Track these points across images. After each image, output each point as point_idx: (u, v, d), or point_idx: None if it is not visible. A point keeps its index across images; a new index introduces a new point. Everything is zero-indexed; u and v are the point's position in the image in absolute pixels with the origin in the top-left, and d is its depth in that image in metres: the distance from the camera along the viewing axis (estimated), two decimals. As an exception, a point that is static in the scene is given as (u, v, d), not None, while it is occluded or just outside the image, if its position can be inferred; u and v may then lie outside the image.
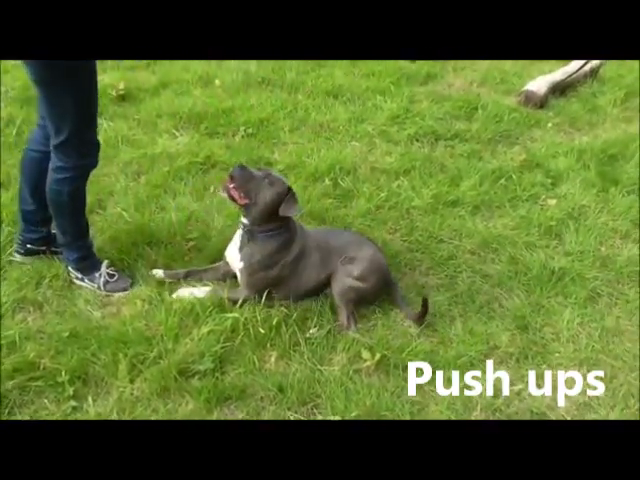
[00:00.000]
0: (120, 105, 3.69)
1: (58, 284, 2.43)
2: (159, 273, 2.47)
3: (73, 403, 2.00)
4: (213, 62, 4.27)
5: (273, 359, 2.20)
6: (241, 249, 2.37)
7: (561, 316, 2.43)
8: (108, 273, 2.44)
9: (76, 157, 2.22)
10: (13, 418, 1.94)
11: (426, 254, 2.74)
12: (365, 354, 2.19)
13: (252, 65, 4.25)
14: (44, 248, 2.52)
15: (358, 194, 3.08)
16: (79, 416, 1.96)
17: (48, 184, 2.29)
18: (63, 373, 2.05)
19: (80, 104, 2.15)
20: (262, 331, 2.24)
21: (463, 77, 4.46)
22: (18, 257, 2.52)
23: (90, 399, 2.01)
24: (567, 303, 2.50)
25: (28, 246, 2.50)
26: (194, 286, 2.44)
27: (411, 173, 3.27)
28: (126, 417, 1.97)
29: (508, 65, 4.74)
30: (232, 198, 2.31)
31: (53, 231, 2.49)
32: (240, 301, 2.35)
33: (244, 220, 2.35)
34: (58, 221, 2.38)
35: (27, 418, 1.95)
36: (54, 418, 1.95)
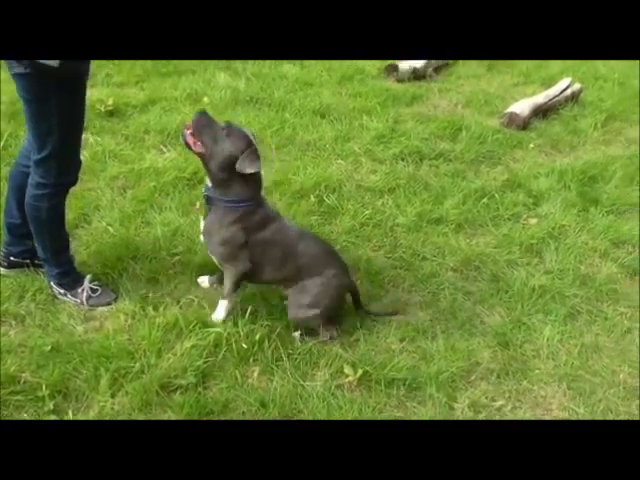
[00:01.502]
0: (108, 120, 3.71)
1: (41, 298, 2.43)
2: (205, 280, 2.51)
3: (53, 417, 1.99)
4: (201, 79, 4.32)
5: (256, 374, 2.20)
6: (204, 219, 2.29)
7: (541, 333, 2.46)
8: (91, 288, 2.44)
9: (56, 174, 2.22)
10: (-8, 432, 1.93)
11: (409, 271, 2.77)
12: (347, 370, 2.20)
13: (241, 83, 4.30)
14: (28, 261, 2.51)
15: (343, 211, 3.11)
16: (59, 430, 1.95)
17: (27, 199, 2.29)
18: (44, 387, 2.05)
19: (66, 123, 2.15)
20: (245, 346, 2.25)
21: (448, 99, 4.55)
22: (1, 270, 2.51)
23: (70, 413, 2.00)
24: (547, 320, 2.53)
25: (12, 259, 2.50)
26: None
27: (396, 191, 3.32)
28: (106, 431, 1.96)
29: (492, 87, 4.85)
30: (188, 145, 2.18)
31: None
32: (234, 276, 2.29)
33: (207, 182, 2.25)
34: (38, 236, 2.37)
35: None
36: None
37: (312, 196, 3.19)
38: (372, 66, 4.84)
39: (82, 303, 2.42)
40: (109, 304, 2.44)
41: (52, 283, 2.44)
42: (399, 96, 4.40)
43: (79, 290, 2.42)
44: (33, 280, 2.47)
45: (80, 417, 2.00)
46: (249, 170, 2.12)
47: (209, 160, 2.16)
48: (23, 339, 2.25)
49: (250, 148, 2.14)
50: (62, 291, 2.43)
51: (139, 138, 3.56)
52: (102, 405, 2.04)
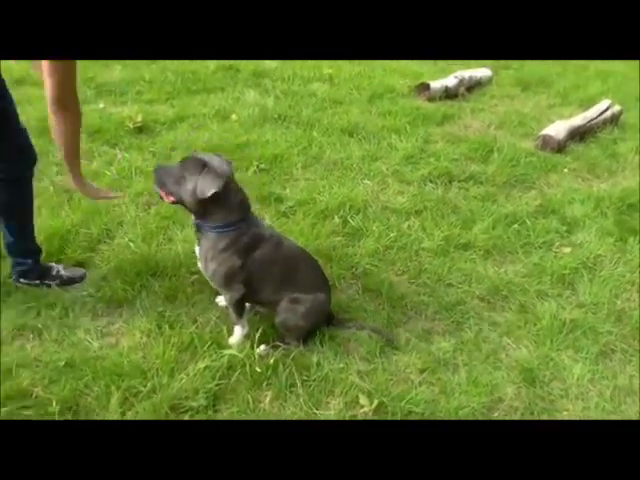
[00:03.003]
0: (136, 137, 3.74)
1: (60, 312, 2.42)
2: (222, 302, 2.49)
3: (61, 435, 1.96)
4: (230, 97, 4.33)
5: (268, 399, 2.14)
6: (198, 246, 2.25)
7: (571, 371, 2.33)
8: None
9: (17, 167, 2.31)
10: (-1, 448, 1.91)
11: (433, 298, 2.67)
12: (363, 400, 2.12)
13: (269, 101, 4.30)
14: (37, 282, 2.53)
15: (367, 233, 3.05)
16: (66, 450, 1.92)
17: None
18: (54, 403, 2.02)
19: None
20: (258, 370, 2.19)
21: (480, 119, 4.46)
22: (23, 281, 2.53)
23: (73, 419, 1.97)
24: (578, 357, 2.40)
25: (22, 280, 2.53)
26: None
27: (423, 214, 3.24)
28: (114, 453, 1.92)
29: (527, 108, 4.74)
30: (162, 199, 2.19)
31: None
32: (231, 301, 2.28)
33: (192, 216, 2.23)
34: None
35: (14, 449, 1.91)
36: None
37: (336, 216, 3.13)
38: (403, 84, 4.79)
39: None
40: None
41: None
42: (430, 115, 4.33)
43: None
44: (47, 294, 2.47)
45: (89, 437, 1.97)
46: (209, 192, 2.04)
47: (183, 202, 2.14)
48: (39, 353, 2.24)
49: (203, 171, 2.06)
50: None
51: (166, 155, 3.57)
52: (111, 425, 2.00)
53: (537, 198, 3.50)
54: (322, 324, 2.42)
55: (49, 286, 2.52)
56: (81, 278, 2.60)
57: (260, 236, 2.23)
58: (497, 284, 2.75)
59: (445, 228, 3.10)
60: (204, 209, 2.12)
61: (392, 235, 3.02)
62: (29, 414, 2.01)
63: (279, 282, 2.29)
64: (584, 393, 2.26)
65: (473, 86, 5.00)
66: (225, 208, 2.13)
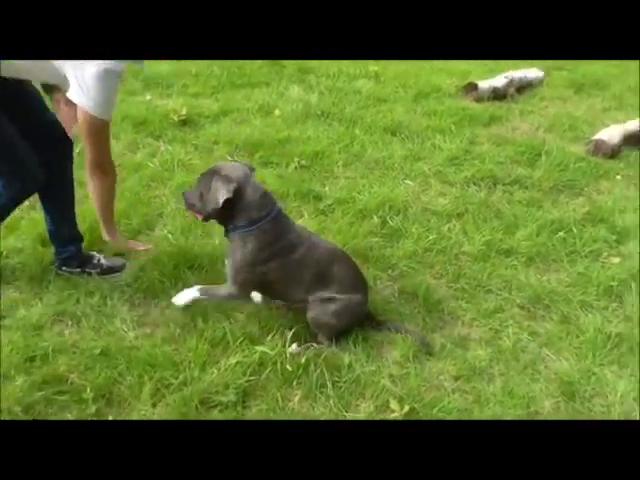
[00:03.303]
0: (180, 130, 3.78)
1: (98, 301, 2.46)
2: (257, 297, 2.48)
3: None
4: (275, 92, 4.33)
5: (297, 398, 2.12)
6: (227, 250, 2.32)
7: (614, 387, 2.23)
8: None
9: (16, 187, 2.28)
10: (34, 431, 1.95)
11: (471, 304, 2.60)
12: (394, 404, 2.08)
13: (313, 97, 4.28)
14: (78, 270, 2.57)
15: (406, 234, 2.99)
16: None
17: None
18: (88, 390, 2.06)
19: None
20: (289, 368, 2.18)
21: (529, 121, 4.33)
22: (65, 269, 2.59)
23: (110, 419, 1.99)
24: (622, 374, 2.29)
25: (64, 269, 2.57)
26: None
27: (464, 217, 3.16)
28: (143, 443, 1.94)
29: (579, 111, 4.58)
30: (197, 218, 2.32)
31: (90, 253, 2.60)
32: (223, 296, 2.32)
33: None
34: None
35: (48, 432, 1.95)
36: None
37: (375, 216, 3.09)
38: (450, 84, 4.69)
39: None
40: None
41: None
42: (476, 116, 4.23)
43: None
44: (87, 282, 2.51)
45: (120, 425, 2.00)
46: (222, 199, 2.10)
47: (212, 217, 2.23)
48: (76, 340, 2.28)
49: (214, 179, 2.13)
50: None
51: (208, 148, 3.60)
52: (142, 414, 2.02)
53: (585, 205, 3.37)
54: (356, 325, 2.38)
55: (89, 274, 2.56)
56: (121, 268, 2.63)
57: (290, 242, 2.23)
58: (539, 292, 2.65)
59: (487, 232, 3.01)
60: (227, 215, 2.18)
61: (432, 237, 2.96)
62: (64, 399, 2.05)
63: (310, 283, 2.27)
64: (627, 412, 2.15)
65: (523, 87, 4.86)
66: (245, 209, 2.16)
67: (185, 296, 2.35)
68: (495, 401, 2.14)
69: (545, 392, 2.21)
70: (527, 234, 3.03)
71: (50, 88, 2.29)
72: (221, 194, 2.10)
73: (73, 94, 1.98)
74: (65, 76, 1.97)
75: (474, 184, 3.47)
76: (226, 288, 2.30)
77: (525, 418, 2.10)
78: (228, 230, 2.24)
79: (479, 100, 4.57)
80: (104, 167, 2.14)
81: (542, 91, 4.86)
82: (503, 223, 3.13)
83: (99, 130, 2.05)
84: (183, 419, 2.00)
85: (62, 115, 2.30)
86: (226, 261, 2.32)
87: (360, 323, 2.39)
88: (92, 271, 2.57)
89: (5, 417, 1.96)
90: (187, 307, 2.37)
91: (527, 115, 4.43)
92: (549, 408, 2.14)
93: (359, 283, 2.37)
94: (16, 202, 2.39)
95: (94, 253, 2.63)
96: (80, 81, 1.94)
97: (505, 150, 3.83)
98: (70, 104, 2.09)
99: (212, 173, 2.16)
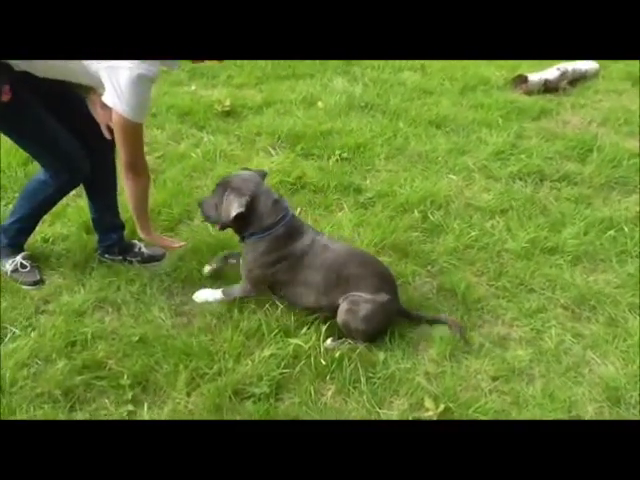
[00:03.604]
0: (224, 121, 3.80)
1: (138, 289, 2.50)
2: (207, 268, 2.53)
3: (130, 407, 2.03)
4: (319, 83, 4.31)
5: (330, 393, 2.11)
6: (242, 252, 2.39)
7: (662, 394, 2.13)
8: (21, 263, 2.50)
9: (65, 178, 2.35)
10: (74, 414, 2.00)
11: (513, 303, 2.53)
12: (428, 403, 2.05)
13: (357, 89, 4.23)
14: (120, 257, 2.62)
15: (447, 230, 2.93)
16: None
17: (34, 179, 2.45)
18: (126, 376, 2.10)
19: (35, 143, 2.29)
20: (323, 362, 2.17)
21: (581, 115, 4.16)
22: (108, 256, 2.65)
23: (146, 406, 2.03)
24: (672, 380, 2.19)
25: (107, 256, 2.63)
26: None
27: (508, 213, 3.07)
28: (177, 430, 1.96)
29: (636, 105, 4.36)
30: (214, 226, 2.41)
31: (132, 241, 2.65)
32: (236, 296, 2.38)
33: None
34: (18, 206, 2.50)
35: (87, 416, 2.01)
36: (111, 419, 1.99)
37: (416, 211, 3.03)
38: (499, 76, 4.56)
39: (6, 273, 2.50)
40: (29, 284, 2.48)
41: None
42: (525, 109, 4.09)
43: (10, 260, 2.51)
44: (128, 270, 2.56)
45: (155, 411, 2.02)
46: (234, 213, 2.18)
47: (227, 225, 2.30)
48: (115, 327, 2.33)
49: (226, 193, 2.20)
50: None
51: (250, 139, 3.61)
52: (177, 402, 2.05)
53: (638, 203, 3.22)
54: (389, 324, 2.33)
55: (130, 262, 2.61)
56: (161, 257, 2.67)
57: (301, 246, 2.26)
58: (584, 293, 2.55)
59: (531, 230, 2.91)
60: (241, 225, 2.26)
61: (474, 234, 2.88)
62: (102, 384, 2.10)
63: (325, 287, 2.26)
64: (675, 421, 2.05)
65: (577, 79, 4.68)
66: (258, 219, 2.24)
67: (207, 295, 2.44)
68: (534, 403, 2.08)
69: (588, 396, 2.13)
70: (574, 232, 2.92)
71: (87, 90, 2.36)
72: (234, 208, 2.18)
73: (108, 97, 2.04)
74: (100, 79, 2.02)
75: (520, 180, 3.36)
76: (241, 286, 2.39)
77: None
78: (243, 237, 2.32)
79: (529, 93, 4.42)
80: (137, 169, 2.18)
81: (597, 84, 4.66)
82: (549, 220, 3.02)
83: (133, 132, 2.09)
84: (215, 410, 2.02)
85: (98, 116, 2.37)
86: (240, 261, 2.39)
87: (394, 321, 2.35)
88: (133, 259, 2.62)
89: (45, 400, 2.02)
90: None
91: (579, 109, 4.27)
92: (592, 413, 2.06)
93: (384, 282, 2.30)
94: (63, 193, 2.46)
95: (135, 242, 2.68)
96: (115, 85, 1.99)
97: (554, 145, 3.69)
98: (105, 107, 2.14)
99: (225, 185, 2.24)
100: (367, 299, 2.22)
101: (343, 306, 2.24)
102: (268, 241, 2.25)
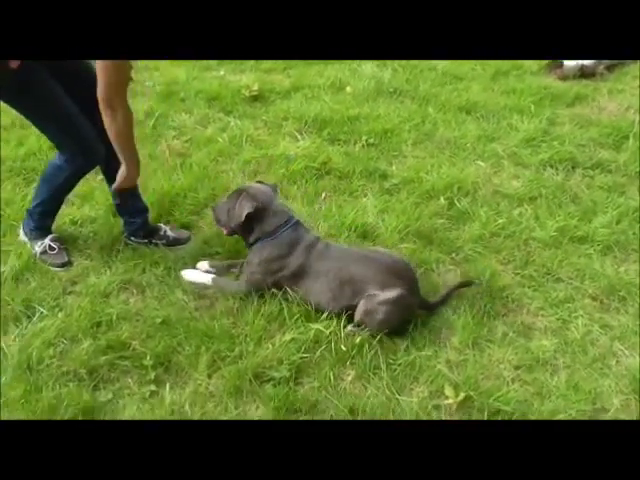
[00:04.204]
0: (251, 105, 3.80)
1: (163, 271, 2.53)
2: (204, 265, 2.54)
3: (152, 387, 2.07)
4: (347, 68, 4.26)
5: (350, 378, 2.11)
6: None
7: (693, 388, 2.07)
8: (50, 245, 2.54)
9: (80, 161, 2.38)
10: (97, 393, 2.05)
11: (539, 292, 2.48)
12: (448, 391, 2.03)
13: (386, 74, 4.17)
14: (146, 241, 2.65)
15: (473, 217, 2.88)
16: (155, 401, 2.02)
17: (49, 163, 2.51)
18: (149, 357, 2.13)
19: (53, 121, 2.30)
20: (344, 348, 2.17)
21: (618, 101, 4.02)
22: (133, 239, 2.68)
23: (168, 387, 2.06)
24: (703, 374, 2.12)
25: (132, 239, 2.66)
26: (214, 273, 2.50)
27: (537, 201, 3.00)
28: (197, 410, 1.99)
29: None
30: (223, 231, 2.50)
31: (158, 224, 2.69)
32: (226, 291, 2.41)
33: None
34: (38, 191, 2.55)
35: (110, 395, 2.05)
36: (134, 399, 2.03)
37: (442, 198, 2.99)
38: (533, 61, 4.44)
39: (35, 255, 2.55)
40: (57, 266, 2.52)
41: (23, 228, 2.63)
42: (559, 95, 3.98)
43: (39, 242, 2.56)
44: (153, 253, 2.59)
45: (177, 392, 2.06)
46: (244, 214, 2.30)
47: (235, 231, 2.43)
48: (140, 309, 2.36)
49: (239, 197, 2.33)
50: (25, 238, 2.61)
51: (277, 124, 3.60)
52: (198, 384, 2.08)
53: (675, 192, 3.11)
54: (410, 316, 2.28)
55: (156, 245, 2.64)
56: (186, 240, 2.70)
57: (311, 267, 2.30)
58: (614, 283, 2.48)
59: (561, 218, 2.84)
60: (247, 229, 2.36)
61: (500, 221, 2.83)
62: (126, 365, 2.14)
63: (332, 293, 2.26)
64: None
65: (615, 65, 4.52)
66: (264, 224, 2.34)
67: (196, 277, 2.47)
68: (558, 394, 2.04)
69: (614, 388, 2.08)
70: (606, 221, 2.83)
71: None
72: (245, 209, 2.29)
73: None
74: None
75: (551, 167, 3.27)
76: (236, 286, 2.42)
77: (590, 414, 1.99)
78: (250, 244, 2.40)
79: (564, 78, 4.29)
80: (113, 104, 2.11)
81: (635, 69, 4.49)
82: (580, 209, 2.94)
83: (111, 68, 2.03)
84: (235, 392, 2.04)
85: None
86: (245, 263, 2.44)
87: (415, 314, 2.31)
88: (159, 242, 2.65)
89: (70, 379, 2.07)
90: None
91: (616, 94, 4.12)
92: (618, 405, 2.01)
93: (394, 276, 2.24)
94: (78, 176, 2.49)
95: (161, 225, 2.71)
96: None
97: (588, 132, 3.58)
98: None
99: (239, 192, 2.37)
100: (382, 300, 2.18)
101: (360, 307, 2.23)
102: (272, 246, 2.33)
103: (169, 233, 2.69)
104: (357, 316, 2.23)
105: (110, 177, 2.55)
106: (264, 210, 2.32)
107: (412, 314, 2.28)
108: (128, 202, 2.61)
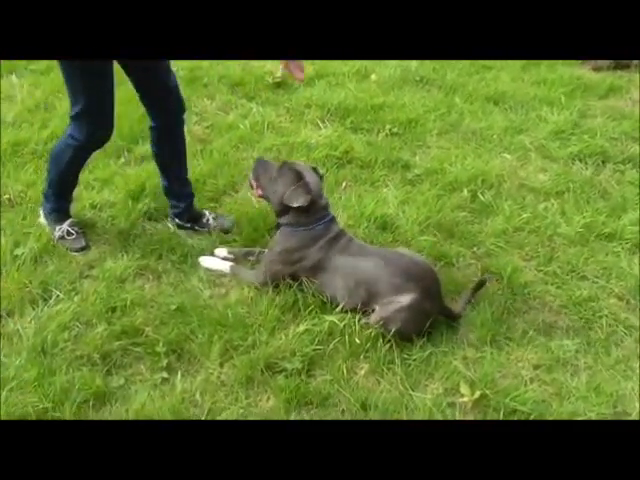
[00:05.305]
0: (274, 92, 3.76)
1: (179, 258, 2.51)
2: (222, 252, 2.51)
3: (164, 374, 2.06)
4: (373, 56, 4.19)
5: (363, 372, 2.07)
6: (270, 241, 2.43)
7: None
8: (68, 230, 2.54)
9: (85, 133, 2.33)
10: (109, 378, 2.05)
11: (562, 290, 2.40)
12: (464, 388, 1.98)
13: (413, 62, 4.09)
14: (189, 225, 2.66)
15: (497, 211, 2.80)
16: (166, 389, 2.01)
17: (57, 142, 2.49)
18: (161, 344, 2.12)
19: (91, 86, 2.24)
20: (358, 341, 2.13)
21: (654, 93, 3.88)
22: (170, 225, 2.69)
23: (179, 374, 2.05)
24: None
25: (177, 221, 2.68)
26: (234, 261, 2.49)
27: (564, 196, 2.91)
28: (208, 399, 1.98)
29: None
30: (252, 187, 2.43)
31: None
32: (248, 281, 2.38)
33: None
34: (49, 173, 2.53)
35: (122, 381, 2.04)
36: (145, 385, 2.03)
37: (466, 190, 2.92)
38: (566, 51, 4.30)
39: (54, 238, 2.55)
40: (75, 250, 2.52)
41: (42, 211, 2.62)
42: (592, 86, 3.86)
43: (57, 227, 2.55)
44: (170, 239, 2.58)
45: (188, 379, 2.04)
46: (295, 204, 2.24)
47: (269, 199, 2.36)
48: (154, 295, 2.35)
49: (298, 183, 2.24)
50: (45, 221, 2.61)
51: (299, 112, 3.56)
52: (210, 372, 2.06)
53: None
54: (427, 320, 2.17)
55: (199, 231, 2.65)
56: (229, 230, 2.66)
57: (332, 261, 2.25)
58: (642, 283, 2.40)
59: (588, 214, 2.75)
60: (286, 211, 2.30)
61: (525, 216, 2.75)
62: (138, 351, 2.13)
63: (347, 291, 2.22)
64: None
65: (651, 55, 4.36)
66: (303, 215, 2.28)
67: (214, 264, 2.46)
68: (578, 396, 1.98)
69: (638, 392, 2.00)
70: (636, 218, 2.74)
71: None
72: (299, 200, 2.23)
73: None
74: None
75: (580, 161, 3.18)
76: (254, 276, 2.38)
77: (611, 418, 1.92)
78: (279, 224, 2.35)
79: (598, 69, 4.16)
80: None
81: (673, 60, 4.33)
82: (609, 205, 2.85)
83: None
84: (247, 382, 2.02)
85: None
86: (267, 249, 2.39)
87: (433, 319, 2.20)
88: (201, 229, 2.65)
89: (84, 363, 2.07)
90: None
91: (652, 87, 3.98)
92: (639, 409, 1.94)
93: (410, 280, 2.15)
94: (84, 153, 2.46)
95: (205, 211, 2.71)
96: None
97: (621, 125, 3.47)
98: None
99: (297, 175, 2.27)
100: (397, 308, 2.11)
101: (375, 315, 2.16)
102: (300, 237, 2.28)
103: (211, 222, 2.67)
104: (372, 323, 2.17)
105: (161, 163, 2.59)
106: (312, 204, 2.26)
107: (429, 319, 2.17)
108: (174, 186, 2.62)
